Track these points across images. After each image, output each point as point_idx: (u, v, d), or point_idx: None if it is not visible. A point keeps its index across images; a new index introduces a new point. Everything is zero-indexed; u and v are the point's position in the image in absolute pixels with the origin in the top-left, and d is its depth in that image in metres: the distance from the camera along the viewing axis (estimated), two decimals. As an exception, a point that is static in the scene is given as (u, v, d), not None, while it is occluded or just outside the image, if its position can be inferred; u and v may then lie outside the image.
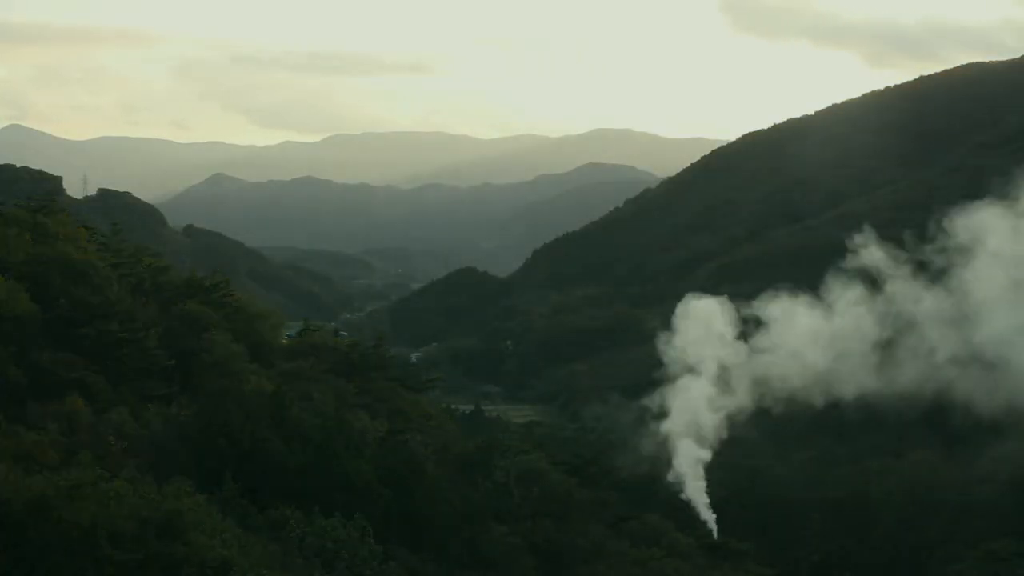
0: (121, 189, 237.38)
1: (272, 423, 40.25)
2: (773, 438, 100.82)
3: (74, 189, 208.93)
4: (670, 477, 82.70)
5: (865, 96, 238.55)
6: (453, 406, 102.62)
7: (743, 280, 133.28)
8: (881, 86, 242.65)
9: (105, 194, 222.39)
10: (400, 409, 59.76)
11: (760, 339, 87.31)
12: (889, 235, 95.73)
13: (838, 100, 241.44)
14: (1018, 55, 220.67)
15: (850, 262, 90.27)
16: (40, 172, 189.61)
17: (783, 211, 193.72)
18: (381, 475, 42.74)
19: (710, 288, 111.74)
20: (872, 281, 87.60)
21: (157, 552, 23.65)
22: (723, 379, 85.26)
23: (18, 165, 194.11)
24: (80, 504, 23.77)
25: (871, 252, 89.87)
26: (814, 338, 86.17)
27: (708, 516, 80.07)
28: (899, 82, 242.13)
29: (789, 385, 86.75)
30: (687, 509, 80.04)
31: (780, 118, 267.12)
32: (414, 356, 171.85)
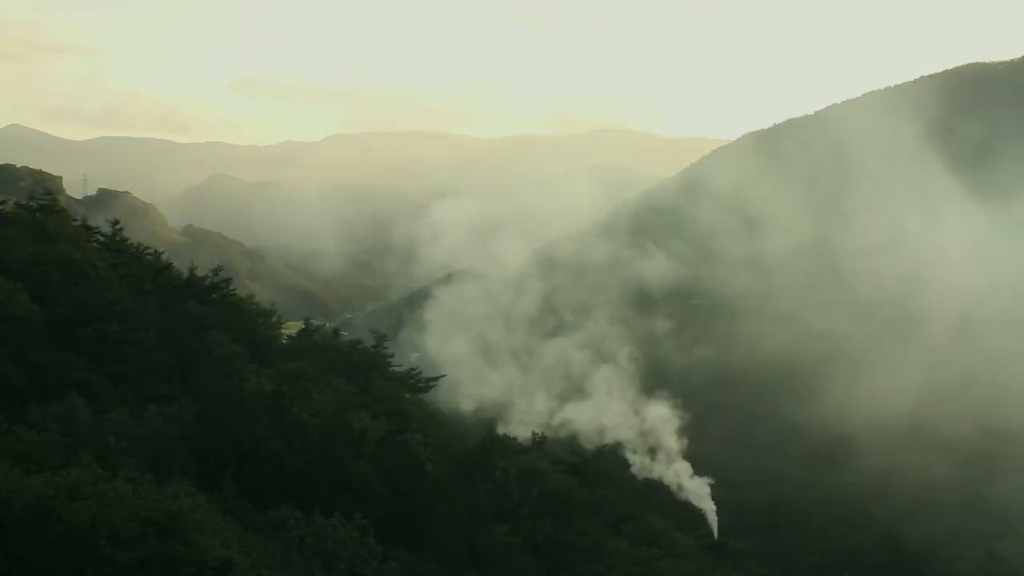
0: (121, 189, 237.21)
1: (272, 423, 40.26)
2: (774, 438, 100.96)
3: (74, 189, 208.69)
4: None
5: (865, 96, 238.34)
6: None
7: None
8: (882, 86, 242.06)
9: (105, 194, 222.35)
10: (400, 409, 59.77)
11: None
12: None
13: (838, 100, 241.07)
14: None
15: None
16: (40, 172, 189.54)
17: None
18: (381, 475, 42.75)
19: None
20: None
21: (157, 552, 23.62)
22: None
23: (18, 165, 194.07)
24: (80, 504, 23.75)
25: None
26: None
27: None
28: (899, 82, 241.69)
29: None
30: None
31: (780, 118, 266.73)
32: (414, 356, 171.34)
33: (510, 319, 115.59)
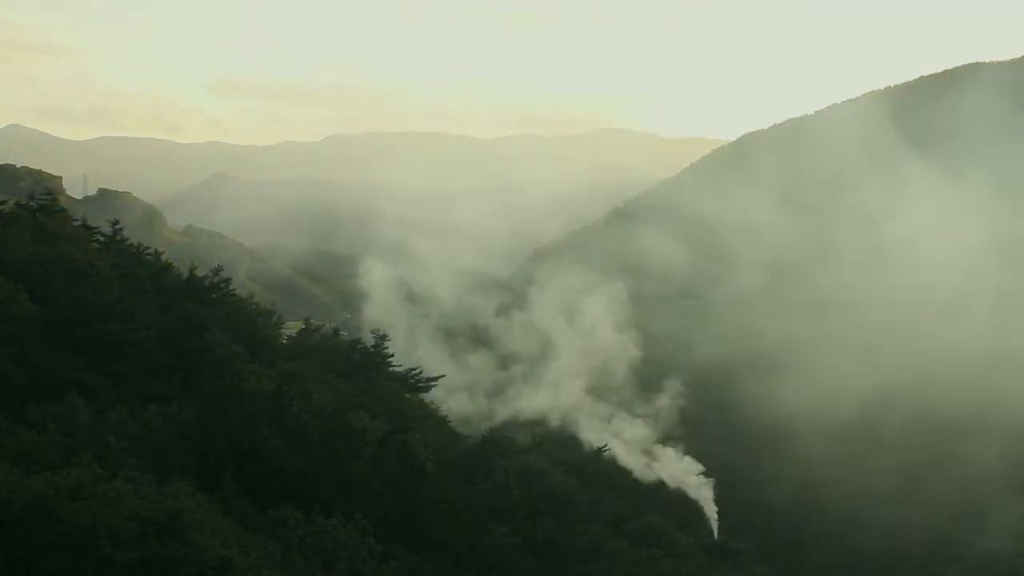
0: (121, 189, 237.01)
1: (272, 423, 40.26)
2: (773, 440, 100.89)
3: (74, 189, 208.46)
4: None
5: (865, 96, 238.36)
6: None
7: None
8: (881, 86, 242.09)
9: (105, 194, 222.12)
10: (400, 409, 59.77)
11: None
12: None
13: (838, 100, 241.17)
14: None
15: None
16: (40, 172, 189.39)
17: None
18: (381, 475, 42.77)
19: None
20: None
21: (157, 552, 23.64)
22: None
23: (18, 165, 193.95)
24: (80, 504, 23.77)
25: None
26: None
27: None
28: (899, 82, 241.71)
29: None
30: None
31: (780, 118, 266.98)
32: (415, 355, 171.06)
33: (505, 317, 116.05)
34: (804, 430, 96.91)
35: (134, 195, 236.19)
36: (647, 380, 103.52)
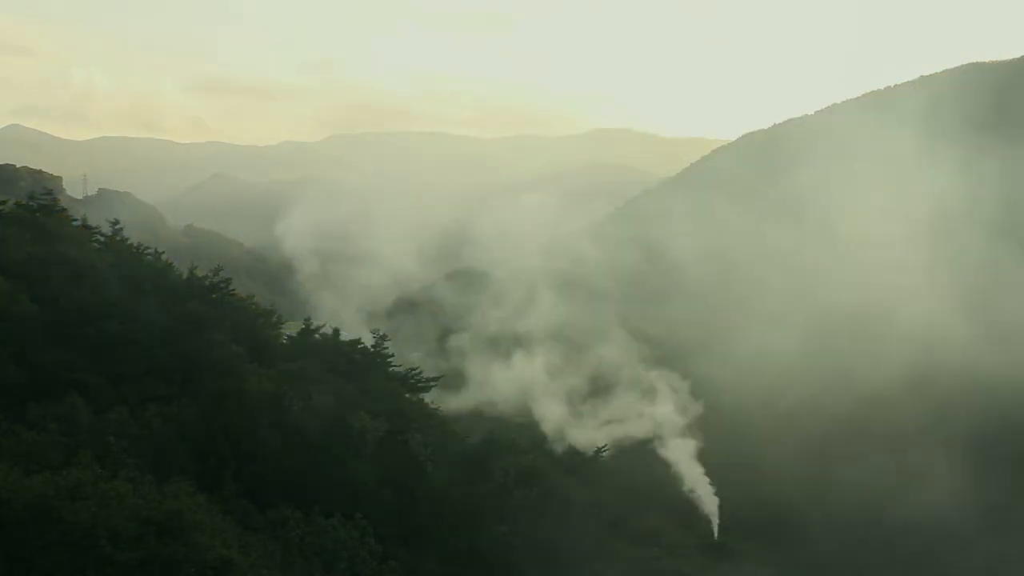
0: (121, 189, 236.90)
1: (272, 423, 40.28)
2: (772, 437, 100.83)
3: (74, 189, 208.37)
4: None
5: (865, 96, 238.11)
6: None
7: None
8: (881, 86, 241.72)
9: (105, 194, 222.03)
10: (400, 409, 59.77)
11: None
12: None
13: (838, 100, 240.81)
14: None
15: None
16: (40, 172, 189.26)
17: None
18: (381, 475, 42.79)
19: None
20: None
21: (157, 552, 23.68)
22: None
23: (18, 165, 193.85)
24: (80, 504, 23.80)
25: None
26: None
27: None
28: (900, 82, 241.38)
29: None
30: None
31: (780, 118, 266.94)
32: (415, 355, 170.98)
33: (501, 316, 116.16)
34: (803, 426, 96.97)
35: (134, 195, 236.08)
36: (642, 379, 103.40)
